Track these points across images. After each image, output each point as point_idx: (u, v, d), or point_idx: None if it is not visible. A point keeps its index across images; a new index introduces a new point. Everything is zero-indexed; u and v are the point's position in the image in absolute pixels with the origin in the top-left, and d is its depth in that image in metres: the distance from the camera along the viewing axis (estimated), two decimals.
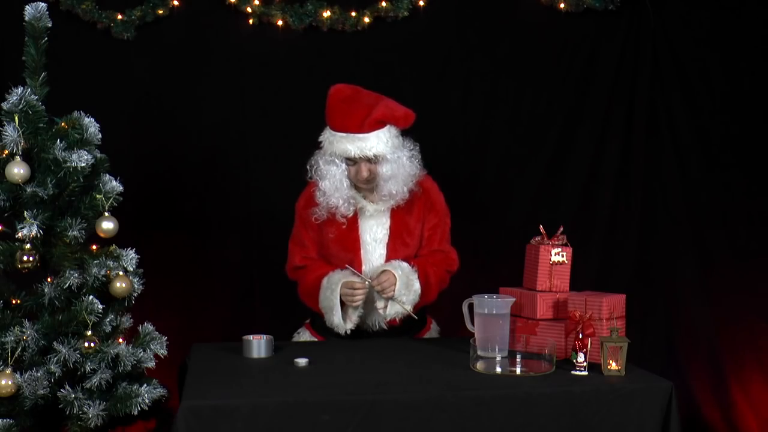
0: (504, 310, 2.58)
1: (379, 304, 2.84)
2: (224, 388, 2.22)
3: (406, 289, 2.81)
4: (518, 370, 2.42)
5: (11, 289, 2.46)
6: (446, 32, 4.06)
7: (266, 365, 2.52)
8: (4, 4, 3.46)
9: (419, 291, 2.85)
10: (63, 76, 3.01)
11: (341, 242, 2.90)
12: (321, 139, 2.88)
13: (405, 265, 2.85)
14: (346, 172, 2.82)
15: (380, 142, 2.78)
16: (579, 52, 4.12)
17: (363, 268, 2.89)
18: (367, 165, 2.80)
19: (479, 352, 2.52)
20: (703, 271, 4.07)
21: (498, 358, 2.48)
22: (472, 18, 4.07)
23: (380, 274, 2.81)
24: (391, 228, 2.91)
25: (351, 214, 2.86)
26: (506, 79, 4.10)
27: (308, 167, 2.90)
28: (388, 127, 2.81)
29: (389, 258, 2.90)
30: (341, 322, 2.82)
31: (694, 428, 3.98)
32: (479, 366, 2.45)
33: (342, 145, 2.78)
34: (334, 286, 2.80)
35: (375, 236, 2.90)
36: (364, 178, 2.81)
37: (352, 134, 2.77)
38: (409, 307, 2.82)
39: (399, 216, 2.92)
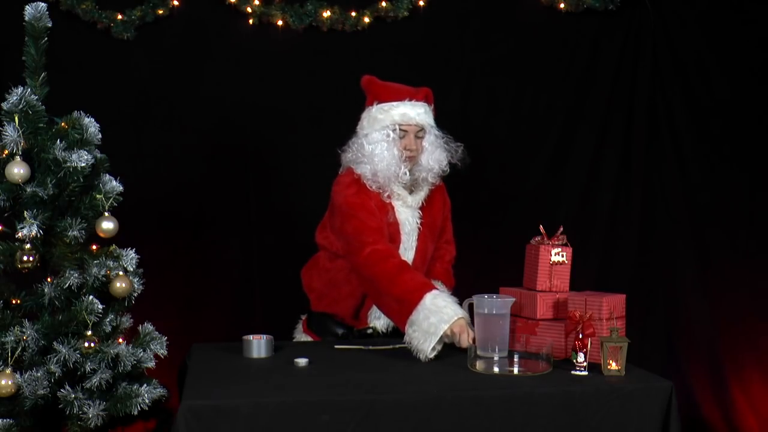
0: (504, 310, 2.58)
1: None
2: (224, 388, 2.22)
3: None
4: (516, 370, 2.42)
5: (11, 289, 2.46)
6: (446, 32, 4.06)
7: (266, 365, 2.52)
8: (4, 4, 3.46)
9: None
10: (63, 76, 3.01)
11: (387, 231, 2.89)
12: (364, 118, 2.91)
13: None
14: (397, 143, 2.84)
15: (430, 115, 2.91)
16: (579, 52, 4.12)
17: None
18: (415, 138, 2.87)
19: (479, 352, 2.52)
20: (703, 271, 4.08)
21: (496, 358, 2.48)
22: (472, 18, 4.07)
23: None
24: (422, 220, 2.95)
25: (396, 194, 2.87)
26: (506, 79, 4.11)
27: (345, 155, 2.91)
28: (431, 104, 2.93)
29: (419, 248, 2.93)
30: (429, 350, 2.56)
31: (694, 428, 3.98)
32: (478, 366, 2.45)
33: (400, 111, 2.84)
34: (446, 317, 2.55)
35: (410, 227, 2.92)
36: (413, 148, 2.86)
37: (409, 101, 2.86)
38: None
39: (426, 209, 2.97)
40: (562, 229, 2.73)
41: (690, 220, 4.10)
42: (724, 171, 4.07)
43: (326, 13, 3.90)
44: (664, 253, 4.14)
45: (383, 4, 3.94)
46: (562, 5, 4.02)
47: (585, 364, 2.37)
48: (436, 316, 2.54)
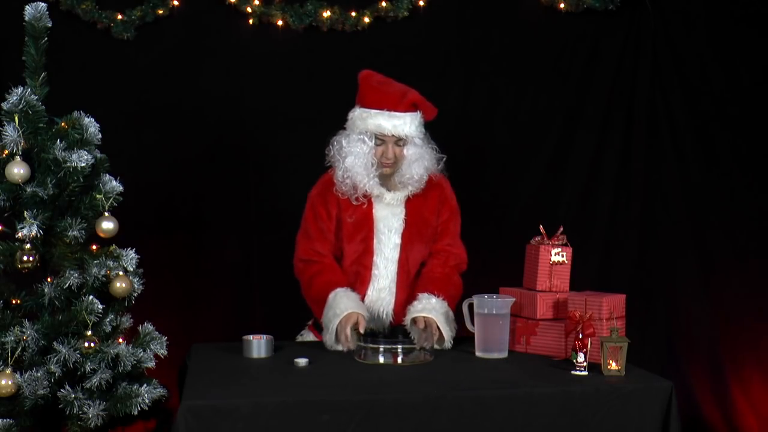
0: (504, 310, 2.58)
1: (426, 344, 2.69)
2: (224, 388, 2.22)
3: (448, 324, 2.73)
4: (400, 360, 2.50)
5: (11, 289, 2.46)
6: (446, 32, 4.06)
7: (266, 365, 2.52)
8: (4, 4, 3.46)
9: (453, 317, 2.81)
10: (63, 76, 3.01)
11: (355, 230, 2.88)
12: (349, 118, 2.88)
13: (434, 301, 2.74)
14: (373, 151, 2.82)
15: (412, 124, 2.83)
16: (579, 52, 4.12)
17: (374, 258, 2.86)
18: (394, 147, 2.83)
19: (477, 353, 2.53)
20: (704, 271, 4.07)
21: (392, 349, 2.52)
22: (472, 18, 4.07)
23: (422, 327, 2.66)
24: (406, 218, 2.90)
25: (374, 192, 2.85)
26: (506, 79, 4.11)
27: (328, 150, 2.89)
28: (419, 112, 2.87)
29: (404, 248, 2.88)
30: (333, 344, 2.72)
31: (694, 428, 3.97)
32: (364, 357, 2.52)
33: (376, 121, 2.80)
34: (338, 311, 2.69)
35: (390, 226, 2.88)
36: (390, 158, 2.83)
37: (388, 111, 2.80)
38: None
39: (414, 207, 2.92)
40: (562, 229, 2.73)
41: (690, 221, 4.10)
42: (724, 171, 4.06)
43: (326, 13, 3.90)
44: (665, 253, 4.14)
45: (383, 4, 3.94)
46: (562, 5, 4.02)
47: (585, 364, 2.37)
48: (332, 311, 2.70)
